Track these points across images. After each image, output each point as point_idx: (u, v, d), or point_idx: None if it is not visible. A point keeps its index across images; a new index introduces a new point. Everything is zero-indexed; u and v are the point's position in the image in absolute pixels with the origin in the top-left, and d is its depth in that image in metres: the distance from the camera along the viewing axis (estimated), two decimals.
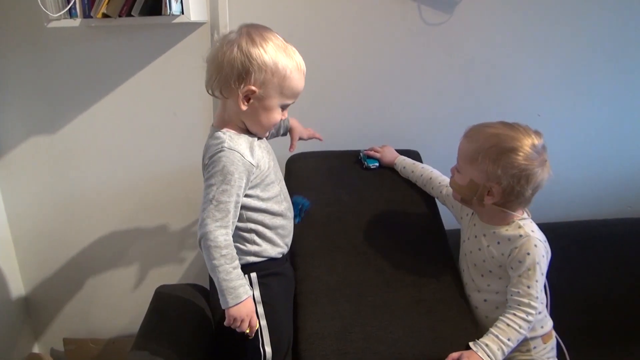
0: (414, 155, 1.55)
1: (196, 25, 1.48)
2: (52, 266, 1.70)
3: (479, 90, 1.63)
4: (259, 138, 1.12)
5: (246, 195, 1.07)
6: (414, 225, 1.36)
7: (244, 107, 1.04)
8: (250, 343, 1.10)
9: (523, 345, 1.18)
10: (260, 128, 1.09)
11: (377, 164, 1.48)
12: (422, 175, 1.42)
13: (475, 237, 1.23)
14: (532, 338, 1.19)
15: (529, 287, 1.10)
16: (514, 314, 1.10)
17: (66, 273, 1.70)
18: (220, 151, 1.02)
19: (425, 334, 1.14)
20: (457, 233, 1.35)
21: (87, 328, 1.77)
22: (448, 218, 1.43)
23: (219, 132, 1.07)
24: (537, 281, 1.10)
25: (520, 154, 1.08)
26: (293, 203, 1.25)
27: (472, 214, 1.26)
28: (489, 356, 1.06)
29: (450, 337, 1.14)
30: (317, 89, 1.53)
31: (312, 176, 1.45)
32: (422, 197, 1.43)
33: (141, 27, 1.45)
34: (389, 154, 1.49)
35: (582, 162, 1.75)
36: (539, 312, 1.14)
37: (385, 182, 1.45)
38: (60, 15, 1.29)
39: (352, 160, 1.51)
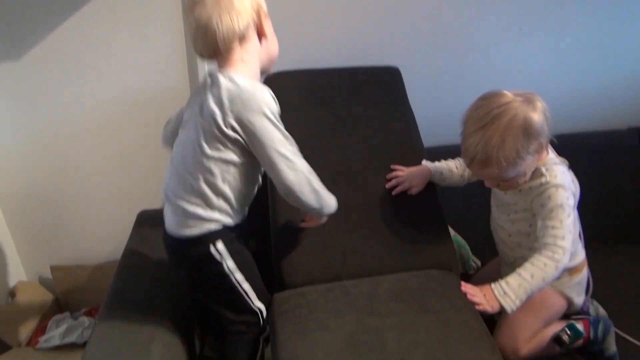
0: (394, 72, 1.51)
1: None
2: (34, 196, 1.68)
3: (459, 3, 1.57)
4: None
5: (226, 146, 0.97)
6: (396, 143, 1.36)
7: (264, 41, 1.03)
8: (242, 307, 1.08)
9: None
10: (273, 57, 1.08)
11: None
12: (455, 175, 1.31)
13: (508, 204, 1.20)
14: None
15: (553, 227, 1.07)
16: (539, 254, 1.07)
17: (49, 202, 1.69)
18: (258, 90, 0.97)
19: (402, 247, 1.17)
20: (435, 150, 1.36)
21: (74, 255, 1.79)
22: (429, 137, 1.43)
23: (234, 78, 0.97)
24: (561, 221, 1.07)
25: (527, 112, 1.03)
26: None
27: None
28: (504, 290, 1.04)
29: (426, 248, 1.18)
30: (293, 5, 1.46)
31: (292, 95, 1.41)
32: (402, 117, 1.41)
33: None
34: (417, 176, 1.28)
35: (564, 74, 1.73)
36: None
37: (364, 101, 1.42)
38: None
39: (333, 79, 1.47)
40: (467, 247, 1.49)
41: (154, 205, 1.64)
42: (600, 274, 1.33)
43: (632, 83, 1.79)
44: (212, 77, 0.99)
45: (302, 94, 1.43)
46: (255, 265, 1.12)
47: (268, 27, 1.04)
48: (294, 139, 1.24)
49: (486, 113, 1.04)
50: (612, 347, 1.24)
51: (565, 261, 1.06)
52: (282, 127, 0.98)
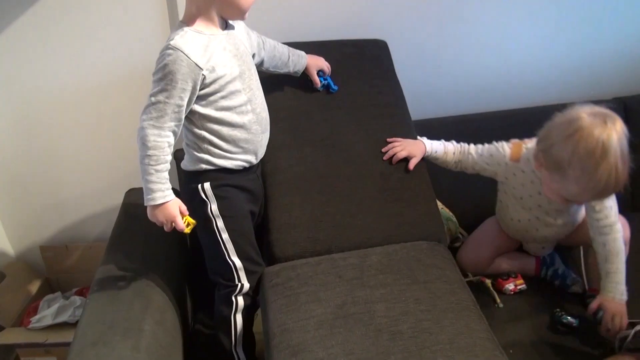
0: (382, 45, 1.50)
1: None
2: (21, 177, 1.66)
3: None
4: (228, 39, 1.04)
5: (200, 99, 1.01)
6: (384, 115, 1.35)
7: None
8: (218, 257, 1.11)
9: None
10: (237, 10, 1.01)
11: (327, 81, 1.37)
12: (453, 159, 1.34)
13: (532, 182, 1.25)
14: None
15: (605, 214, 1.17)
16: (608, 239, 1.17)
17: (36, 182, 1.67)
18: (166, 49, 0.96)
19: (392, 219, 1.18)
20: (422, 123, 1.36)
21: (63, 235, 1.78)
22: (417, 109, 1.43)
23: (176, 29, 1.00)
24: (610, 207, 1.17)
25: (612, 137, 1.03)
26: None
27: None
28: (622, 293, 1.14)
29: (415, 221, 1.19)
30: None
31: None
32: (390, 89, 1.41)
33: None
34: (415, 148, 1.28)
35: (550, 44, 1.73)
36: None
37: (352, 73, 1.41)
38: None
39: (321, 51, 1.45)
40: (455, 220, 1.50)
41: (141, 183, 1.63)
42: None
43: (617, 54, 1.79)
44: None
45: None
46: (247, 221, 1.14)
47: None
48: (284, 111, 1.24)
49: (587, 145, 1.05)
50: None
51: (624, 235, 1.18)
52: (166, 86, 0.96)
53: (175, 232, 1.10)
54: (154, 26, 1.46)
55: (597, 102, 1.70)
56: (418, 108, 1.44)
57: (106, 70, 1.52)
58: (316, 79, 1.31)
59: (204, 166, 1.08)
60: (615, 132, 1.03)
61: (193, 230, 1.06)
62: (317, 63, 1.33)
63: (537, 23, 1.69)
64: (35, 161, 1.64)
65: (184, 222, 1.02)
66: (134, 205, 1.39)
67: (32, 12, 1.41)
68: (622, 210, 1.66)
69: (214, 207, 1.09)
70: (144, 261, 1.20)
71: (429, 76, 1.69)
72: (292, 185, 1.20)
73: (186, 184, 1.11)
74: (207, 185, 1.08)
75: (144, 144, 0.97)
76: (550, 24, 1.70)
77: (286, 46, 1.29)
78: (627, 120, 1.68)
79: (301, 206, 1.17)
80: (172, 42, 0.96)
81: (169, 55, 0.95)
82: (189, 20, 1.01)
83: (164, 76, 0.95)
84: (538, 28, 1.70)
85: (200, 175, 1.08)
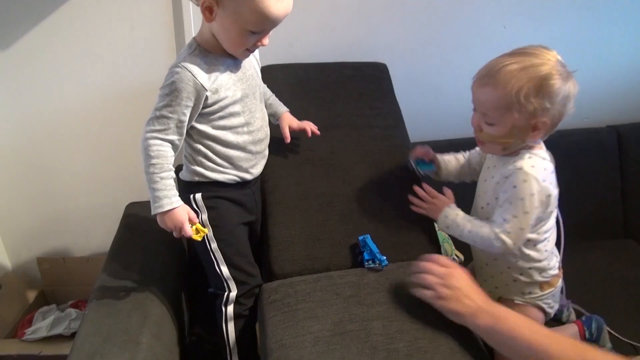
0: (382, 68, 1.54)
1: None
2: (21, 188, 1.67)
3: (445, 3, 1.60)
4: (236, 63, 1.06)
5: (199, 117, 1.04)
6: (381, 138, 1.38)
7: (207, 20, 0.97)
8: (209, 266, 1.14)
9: (519, 288, 1.15)
10: (229, 48, 1.02)
11: (432, 169, 1.26)
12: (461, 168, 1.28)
13: (488, 168, 1.16)
14: (529, 283, 1.14)
15: (504, 220, 1.03)
16: (489, 226, 1.06)
17: (36, 193, 1.68)
18: (175, 66, 0.99)
19: (389, 239, 1.19)
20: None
21: (61, 247, 1.79)
22: (415, 132, 1.45)
23: (188, 47, 1.03)
24: (515, 217, 1.02)
25: (556, 76, 0.98)
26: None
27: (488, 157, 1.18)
28: (448, 219, 1.12)
29: (412, 241, 1.20)
30: None
31: (280, 89, 1.42)
32: (389, 112, 1.44)
33: None
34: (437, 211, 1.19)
35: None
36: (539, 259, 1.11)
37: (352, 95, 1.45)
38: None
39: (322, 73, 1.49)
40: (450, 241, 1.52)
41: (142, 197, 1.63)
42: (578, 271, 1.37)
43: (612, 82, 1.83)
44: None
45: (292, 87, 1.45)
46: (237, 232, 1.16)
47: (222, 18, 0.95)
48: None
49: (523, 48, 1.03)
50: (607, 343, 1.24)
51: (500, 251, 1.05)
52: (171, 102, 0.99)
53: (174, 245, 1.12)
54: (159, 46, 1.50)
55: (590, 130, 1.77)
56: (417, 130, 1.47)
57: (109, 86, 1.55)
58: (286, 133, 1.27)
59: (197, 178, 1.11)
60: None
61: (191, 241, 1.08)
62: (295, 122, 1.29)
63: None
64: (36, 173, 1.65)
65: (194, 229, 1.04)
66: (135, 219, 1.40)
67: (39, 29, 1.43)
68: (614, 236, 1.70)
69: (204, 216, 1.11)
70: (142, 274, 1.21)
71: (428, 99, 1.72)
72: (291, 204, 1.22)
73: (181, 194, 1.11)
74: (198, 195, 1.11)
75: (147, 153, 1.00)
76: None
77: (272, 94, 1.31)
78: (620, 148, 1.74)
79: (300, 224, 1.19)
80: (181, 62, 0.99)
81: (177, 73, 0.98)
82: (201, 39, 1.04)
83: (170, 92, 0.98)
84: None
85: (194, 186, 1.12)
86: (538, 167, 1.03)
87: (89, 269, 1.73)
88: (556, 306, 1.20)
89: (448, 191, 1.19)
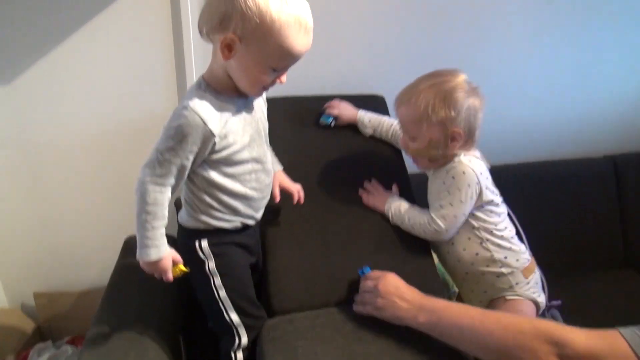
0: (380, 101, 1.56)
1: None
2: (18, 221, 1.66)
3: (443, 38, 1.63)
4: (246, 104, 1.02)
5: (205, 163, 0.99)
6: (379, 171, 1.39)
7: (225, 58, 0.91)
8: (217, 314, 1.10)
9: (504, 283, 1.23)
10: (245, 86, 0.96)
11: (331, 120, 1.44)
12: (389, 130, 1.41)
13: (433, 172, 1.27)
14: (511, 273, 1.23)
15: (441, 206, 1.18)
16: (427, 212, 1.20)
17: (33, 226, 1.68)
18: (183, 108, 0.92)
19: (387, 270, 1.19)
20: (419, 177, 1.39)
21: (58, 282, 1.77)
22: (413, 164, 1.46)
23: (196, 86, 0.97)
24: (451, 204, 1.16)
25: (460, 89, 1.13)
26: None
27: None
28: (390, 205, 1.24)
29: (412, 275, 1.18)
30: None
31: (274, 121, 1.43)
32: (387, 144, 1.45)
33: None
34: (348, 109, 1.45)
35: (541, 102, 1.79)
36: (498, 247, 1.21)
37: (350, 127, 1.46)
38: None
39: (314, 106, 1.50)
40: (448, 276, 1.51)
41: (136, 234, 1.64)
42: (576, 301, 1.36)
43: (609, 111, 1.86)
44: None
45: (291, 119, 1.47)
46: (244, 277, 1.13)
47: (243, 55, 0.91)
48: (284, 163, 1.27)
49: (435, 71, 1.18)
50: None
51: (434, 236, 1.20)
52: (175, 146, 0.93)
53: (174, 283, 1.11)
54: (160, 80, 1.51)
55: (587, 160, 1.78)
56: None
57: (109, 120, 1.56)
58: (277, 192, 1.23)
59: (202, 226, 1.07)
60: None
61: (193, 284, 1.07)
62: (286, 181, 1.26)
63: (528, 82, 1.76)
64: (32, 206, 1.65)
65: (176, 270, 1.02)
66: (133, 252, 1.39)
67: (42, 63, 1.45)
68: (614, 266, 1.69)
69: (211, 264, 1.07)
70: (140, 310, 1.20)
71: None
72: (290, 239, 1.22)
73: (183, 239, 1.10)
74: (204, 243, 1.07)
75: (144, 199, 0.95)
76: (540, 83, 1.77)
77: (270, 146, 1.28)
78: (617, 178, 1.74)
79: (299, 260, 1.18)
80: (190, 103, 0.92)
81: (185, 117, 0.91)
82: (210, 78, 0.98)
83: (175, 135, 0.92)
84: (529, 86, 1.77)
85: (198, 233, 1.07)
86: (474, 163, 1.18)
87: (86, 303, 1.71)
88: (543, 296, 1.27)
89: (395, 186, 1.33)
